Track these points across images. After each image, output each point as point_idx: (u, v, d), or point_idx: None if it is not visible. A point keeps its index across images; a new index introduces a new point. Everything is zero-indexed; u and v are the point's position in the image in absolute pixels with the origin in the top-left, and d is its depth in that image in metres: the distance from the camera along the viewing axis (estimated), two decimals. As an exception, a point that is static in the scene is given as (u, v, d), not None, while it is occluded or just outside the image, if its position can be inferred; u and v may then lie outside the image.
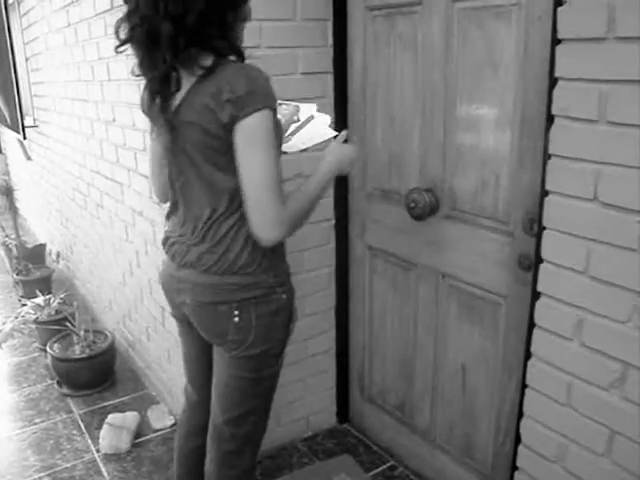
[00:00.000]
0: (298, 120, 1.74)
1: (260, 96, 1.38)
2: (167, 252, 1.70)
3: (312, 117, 1.74)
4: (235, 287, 1.56)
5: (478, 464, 2.23)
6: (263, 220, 1.44)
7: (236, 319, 1.56)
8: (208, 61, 1.43)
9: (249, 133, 1.39)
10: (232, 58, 1.49)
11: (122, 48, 1.47)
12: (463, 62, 1.94)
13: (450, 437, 2.35)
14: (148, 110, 1.57)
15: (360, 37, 2.33)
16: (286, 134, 1.72)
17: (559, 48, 1.50)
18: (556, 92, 1.53)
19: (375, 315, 2.60)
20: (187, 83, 1.45)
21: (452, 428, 2.33)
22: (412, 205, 2.13)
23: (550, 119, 1.56)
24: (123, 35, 1.44)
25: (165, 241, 1.71)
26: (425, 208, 2.11)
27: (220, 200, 1.52)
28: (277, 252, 1.61)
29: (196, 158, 1.51)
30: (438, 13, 1.99)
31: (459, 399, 2.26)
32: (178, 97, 1.46)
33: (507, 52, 1.79)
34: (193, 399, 1.93)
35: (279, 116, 1.70)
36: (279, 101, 1.73)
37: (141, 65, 1.47)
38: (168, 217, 1.71)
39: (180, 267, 1.64)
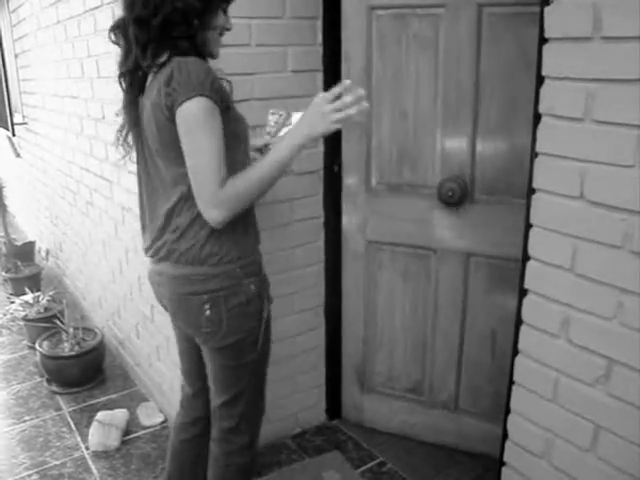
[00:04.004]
0: (290, 124, 1.77)
1: (192, 85, 1.44)
2: (145, 250, 1.76)
3: None
4: (202, 277, 1.61)
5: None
6: (202, 201, 1.50)
7: (207, 312, 1.62)
8: (164, 58, 1.51)
9: (185, 119, 1.46)
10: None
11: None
12: (493, 62, 2.13)
13: (477, 400, 2.53)
14: (123, 109, 1.67)
15: (360, 36, 2.35)
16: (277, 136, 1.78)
17: (546, 47, 1.51)
18: (543, 91, 1.54)
19: (379, 307, 2.65)
20: (148, 82, 1.57)
21: (479, 391, 2.51)
22: (450, 194, 2.31)
23: (537, 117, 1.57)
24: (113, 37, 1.61)
25: (144, 244, 1.77)
26: (462, 195, 2.30)
27: (178, 193, 1.57)
28: (244, 241, 1.65)
29: (154, 154, 1.59)
30: (466, 16, 2.12)
31: (488, 362, 2.45)
32: (144, 97, 1.59)
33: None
34: (187, 391, 1.98)
35: (271, 123, 1.79)
36: (271, 110, 1.81)
37: (119, 64, 1.60)
38: (141, 217, 1.78)
39: (156, 261, 1.71)
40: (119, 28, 1.56)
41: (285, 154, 1.51)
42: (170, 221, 1.61)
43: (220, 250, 1.59)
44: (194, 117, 1.44)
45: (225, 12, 1.61)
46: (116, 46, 1.62)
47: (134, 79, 1.58)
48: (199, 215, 1.55)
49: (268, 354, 1.82)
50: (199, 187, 1.49)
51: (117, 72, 1.61)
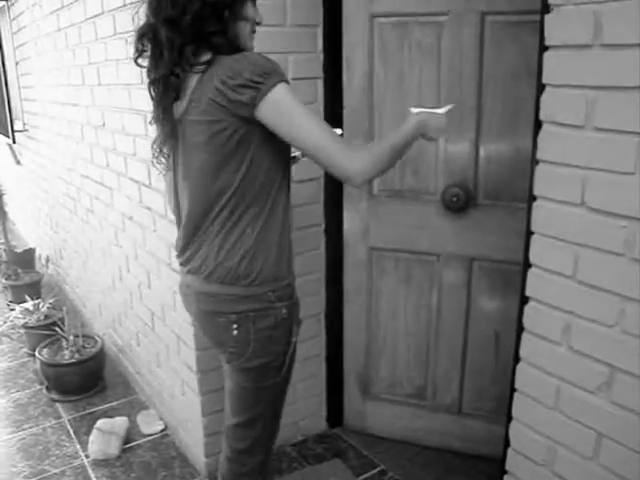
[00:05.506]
0: None
1: (269, 74, 1.39)
2: (177, 258, 1.71)
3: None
4: (232, 298, 1.56)
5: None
6: (342, 162, 1.43)
7: (235, 332, 1.58)
8: (206, 57, 1.44)
9: (278, 106, 1.41)
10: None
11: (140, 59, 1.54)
12: (496, 70, 2.18)
13: (480, 402, 2.57)
14: (157, 119, 1.58)
15: (362, 43, 2.37)
16: None
17: (546, 55, 1.51)
18: (543, 98, 1.54)
19: (382, 313, 2.67)
20: (190, 85, 1.46)
21: (482, 393, 2.55)
22: (454, 199, 2.34)
23: (538, 125, 1.57)
24: (139, 45, 1.52)
25: (176, 248, 1.72)
26: (467, 201, 2.34)
27: (219, 204, 1.51)
28: (279, 263, 1.59)
29: (198, 161, 1.51)
30: (469, 24, 2.15)
31: (491, 364, 2.48)
32: (184, 102, 1.48)
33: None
34: None
35: None
36: None
37: (148, 70, 1.53)
38: (178, 226, 1.70)
39: (186, 273, 1.66)
40: (146, 35, 1.49)
41: (410, 131, 1.57)
42: (205, 234, 1.56)
43: (253, 271, 1.54)
44: (288, 101, 1.41)
45: (254, 3, 1.55)
46: (135, 53, 1.54)
47: (168, 85, 1.48)
48: (235, 230, 1.52)
49: (290, 378, 1.75)
50: (332, 155, 1.43)
51: (148, 80, 1.53)
